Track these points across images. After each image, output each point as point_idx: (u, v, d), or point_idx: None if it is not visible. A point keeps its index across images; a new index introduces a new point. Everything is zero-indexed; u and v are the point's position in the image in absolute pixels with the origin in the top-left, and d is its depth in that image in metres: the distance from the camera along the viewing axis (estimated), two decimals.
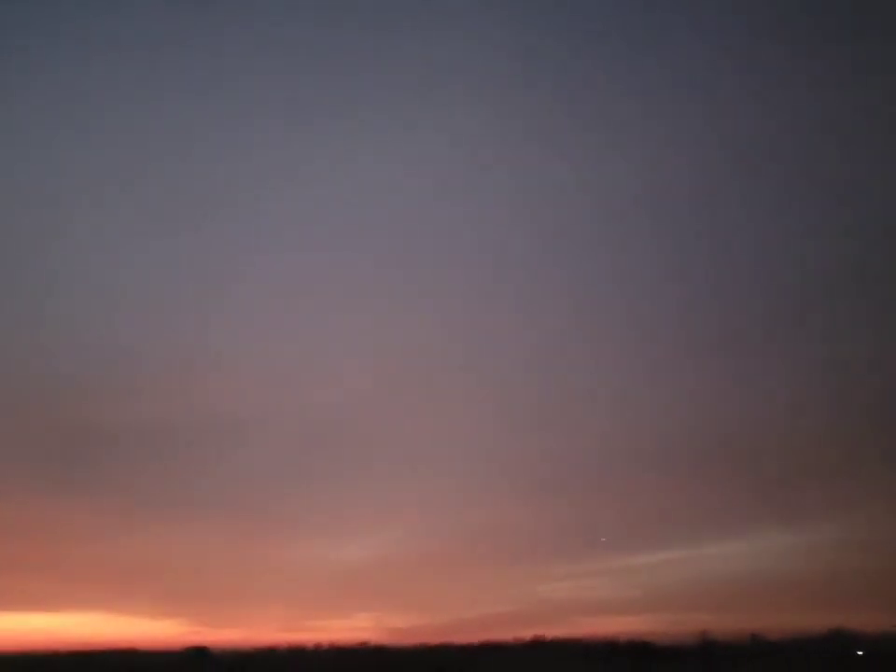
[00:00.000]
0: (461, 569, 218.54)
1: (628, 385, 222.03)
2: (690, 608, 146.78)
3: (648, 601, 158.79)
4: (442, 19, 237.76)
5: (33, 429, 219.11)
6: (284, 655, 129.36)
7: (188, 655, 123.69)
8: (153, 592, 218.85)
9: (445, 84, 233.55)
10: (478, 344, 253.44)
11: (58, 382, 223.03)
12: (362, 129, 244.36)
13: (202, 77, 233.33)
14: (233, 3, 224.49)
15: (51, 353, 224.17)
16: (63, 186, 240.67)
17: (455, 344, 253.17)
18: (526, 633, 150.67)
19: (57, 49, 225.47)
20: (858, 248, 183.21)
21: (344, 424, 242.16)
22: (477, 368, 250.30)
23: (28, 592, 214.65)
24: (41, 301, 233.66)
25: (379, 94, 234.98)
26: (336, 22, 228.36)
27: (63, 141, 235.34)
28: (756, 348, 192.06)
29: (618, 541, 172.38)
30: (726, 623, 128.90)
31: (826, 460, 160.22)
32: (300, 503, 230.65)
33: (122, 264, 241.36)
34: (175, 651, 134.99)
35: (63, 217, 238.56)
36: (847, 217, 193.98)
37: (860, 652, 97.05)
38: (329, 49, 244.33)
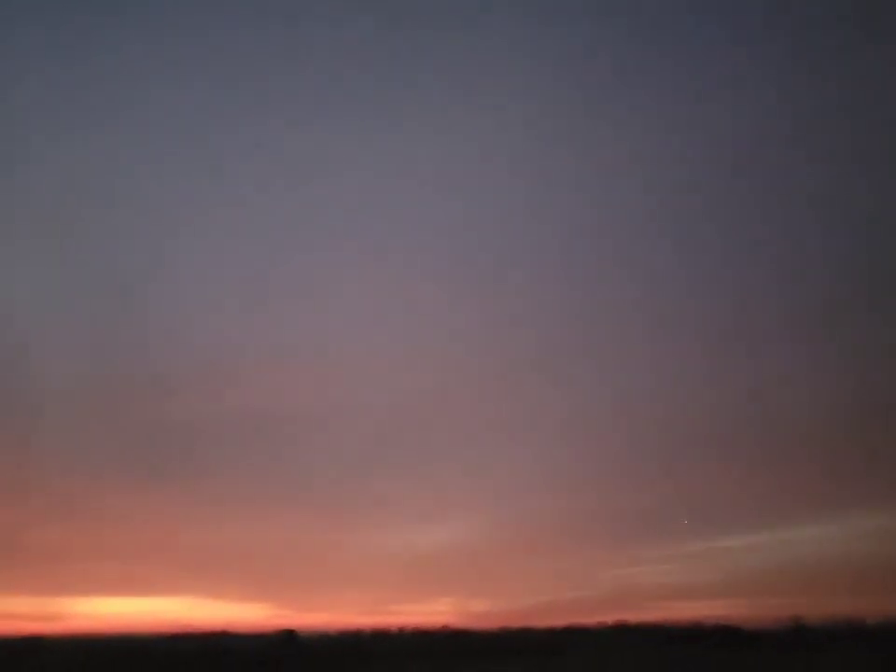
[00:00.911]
0: (542, 554, 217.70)
1: (708, 368, 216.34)
2: (777, 592, 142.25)
3: (733, 585, 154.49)
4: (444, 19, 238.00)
5: (128, 424, 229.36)
6: (368, 638, 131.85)
7: (277, 638, 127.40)
8: (243, 577, 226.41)
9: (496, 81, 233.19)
10: (550, 333, 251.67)
11: (151, 378, 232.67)
12: (421, 129, 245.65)
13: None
14: (240, 5, 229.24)
15: (144, 351, 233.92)
16: (155, 188, 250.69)
17: (530, 333, 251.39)
18: (609, 617, 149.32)
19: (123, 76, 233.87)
20: None
21: (424, 411, 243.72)
22: (551, 354, 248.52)
23: (126, 577, 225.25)
24: (131, 301, 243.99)
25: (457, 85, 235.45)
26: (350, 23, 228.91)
27: (161, 145, 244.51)
28: (833, 333, 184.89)
29: (701, 525, 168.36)
30: (817, 607, 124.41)
31: None
32: (382, 490, 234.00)
33: (208, 264, 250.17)
34: (264, 634, 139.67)
35: (151, 219, 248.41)
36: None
37: None
38: (342, 49, 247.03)
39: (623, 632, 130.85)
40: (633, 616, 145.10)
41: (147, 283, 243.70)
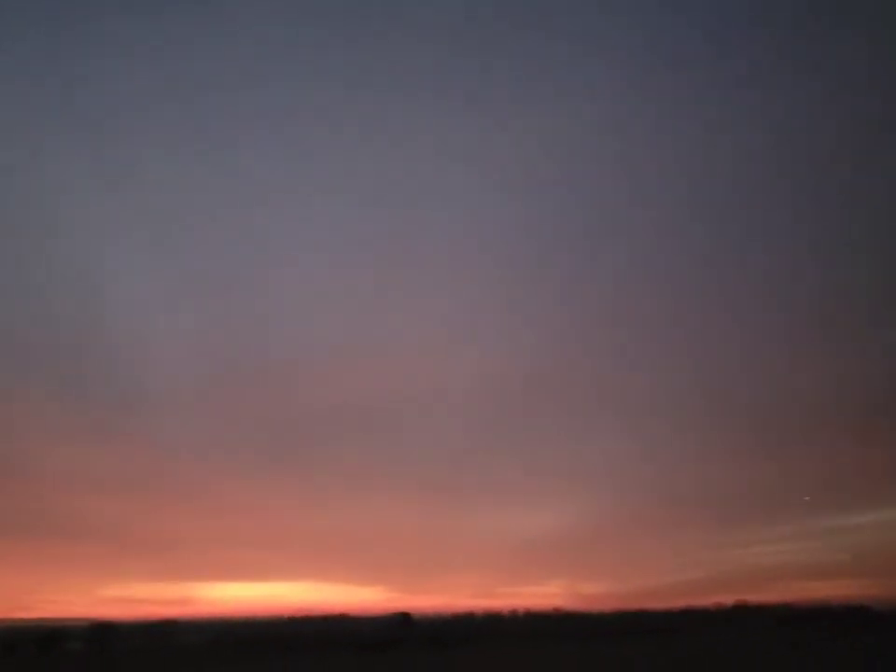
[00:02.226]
0: (656, 535, 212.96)
1: (834, 344, 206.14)
2: None
3: (859, 564, 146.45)
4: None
5: (250, 416, 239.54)
6: (481, 620, 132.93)
7: (393, 620, 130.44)
8: (360, 562, 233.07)
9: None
10: (662, 310, 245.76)
11: (270, 371, 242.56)
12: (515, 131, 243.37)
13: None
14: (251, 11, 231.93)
15: (262, 346, 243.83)
16: (269, 192, 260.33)
17: (640, 312, 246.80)
18: (728, 598, 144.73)
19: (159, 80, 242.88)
20: None
21: (531, 395, 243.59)
22: (666, 330, 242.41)
23: (251, 563, 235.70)
24: (248, 300, 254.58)
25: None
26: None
27: (270, 158, 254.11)
28: None
29: (824, 501, 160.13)
30: None
31: None
32: (492, 474, 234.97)
33: (317, 269, 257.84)
34: (380, 616, 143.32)
35: (271, 221, 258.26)
36: None
37: None
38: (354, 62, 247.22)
39: (742, 613, 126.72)
40: (753, 597, 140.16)
41: (264, 284, 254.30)
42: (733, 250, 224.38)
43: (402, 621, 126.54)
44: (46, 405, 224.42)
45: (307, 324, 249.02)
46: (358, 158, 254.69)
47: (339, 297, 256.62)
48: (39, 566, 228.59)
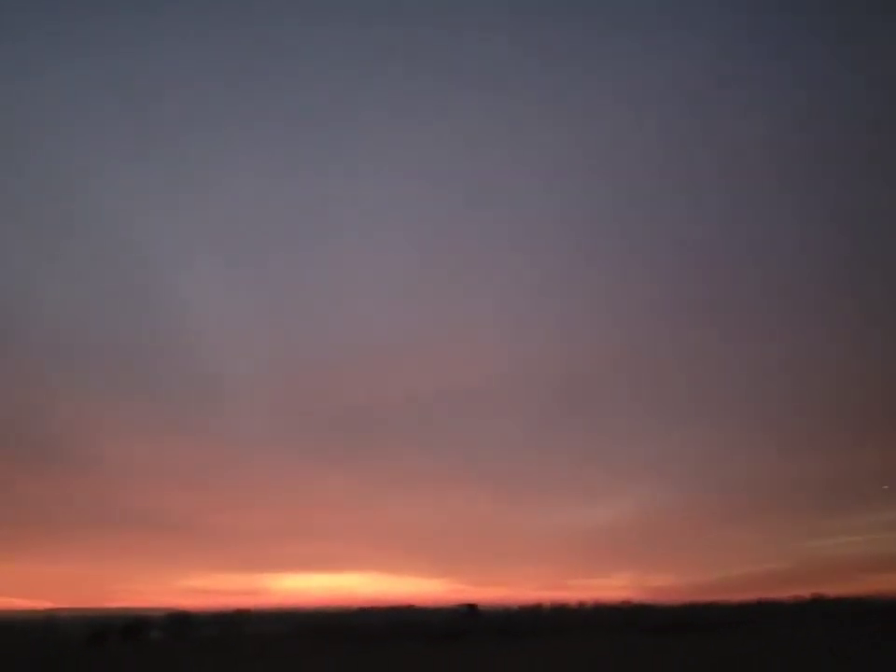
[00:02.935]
0: (726, 526, 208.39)
1: None
2: None
3: None
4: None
5: (319, 411, 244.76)
6: (548, 612, 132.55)
7: (459, 611, 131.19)
8: (426, 554, 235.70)
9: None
10: (725, 305, 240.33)
11: (339, 366, 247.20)
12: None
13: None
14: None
15: (334, 340, 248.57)
16: (322, 193, 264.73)
17: (704, 301, 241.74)
18: (805, 591, 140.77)
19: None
20: None
21: (596, 383, 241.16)
22: (728, 322, 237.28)
23: (321, 555, 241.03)
24: (321, 296, 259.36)
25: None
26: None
27: (324, 171, 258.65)
28: None
29: None
30: None
31: None
32: (559, 464, 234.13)
33: (380, 265, 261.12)
34: (447, 608, 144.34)
35: (324, 222, 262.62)
36: None
37: None
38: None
39: (820, 606, 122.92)
40: (832, 590, 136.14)
41: (331, 281, 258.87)
42: (804, 237, 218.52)
43: (469, 612, 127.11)
44: (124, 403, 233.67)
45: (376, 319, 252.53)
46: (400, 158, 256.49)
47: (407, 292, 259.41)
48: (121, 557, 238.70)
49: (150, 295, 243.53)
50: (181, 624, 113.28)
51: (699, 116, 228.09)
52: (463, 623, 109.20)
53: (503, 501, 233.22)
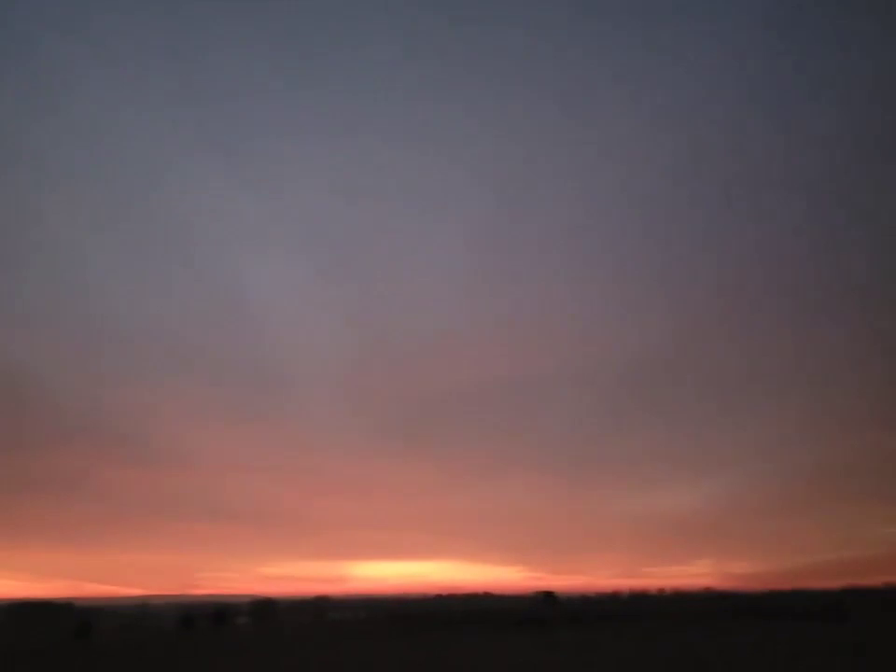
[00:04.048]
0: (812, 511, 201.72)
1: None
2: None
3: None
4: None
5: (390, 401, 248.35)
6: (627, 600, 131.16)
7: (537, 598, 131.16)
8: (502, 541, 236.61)
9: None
10: (798, 292, 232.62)
11: (411, 356, 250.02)
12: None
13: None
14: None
15: (405, 331, 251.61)
16: (404, 187, 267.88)
17: (778, 289, 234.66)
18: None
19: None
20: None
21: (668, 372, 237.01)
22: (805, 311, 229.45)
23: (398, 543, 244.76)
24: (393, 289, 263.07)
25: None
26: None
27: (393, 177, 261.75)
28: None
29: None
30: None
31: None
32: (635, 450, 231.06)
33: (449, 257, 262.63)
34: (524, 595, 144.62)
35: (405, 213, 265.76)
36: None
37: None
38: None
39: None
40: None
41: (399, 271, 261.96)
42: (867, 226, 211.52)
43: (546, 599, 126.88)
44: (208, 400, 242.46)
45: (446, 308, 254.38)
46: (483, 158, 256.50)
47: (476, 281, 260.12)
48: (207, 547, 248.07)
49: (229, 292, 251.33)
50: (265, 610, 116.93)
51: (759, 113, 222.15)
52: (540, 610, 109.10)
53: (580, 489, 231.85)
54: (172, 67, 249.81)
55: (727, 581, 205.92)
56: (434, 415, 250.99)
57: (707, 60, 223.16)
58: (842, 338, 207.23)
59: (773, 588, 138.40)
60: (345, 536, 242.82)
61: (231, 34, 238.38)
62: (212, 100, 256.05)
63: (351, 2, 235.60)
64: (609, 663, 43.65)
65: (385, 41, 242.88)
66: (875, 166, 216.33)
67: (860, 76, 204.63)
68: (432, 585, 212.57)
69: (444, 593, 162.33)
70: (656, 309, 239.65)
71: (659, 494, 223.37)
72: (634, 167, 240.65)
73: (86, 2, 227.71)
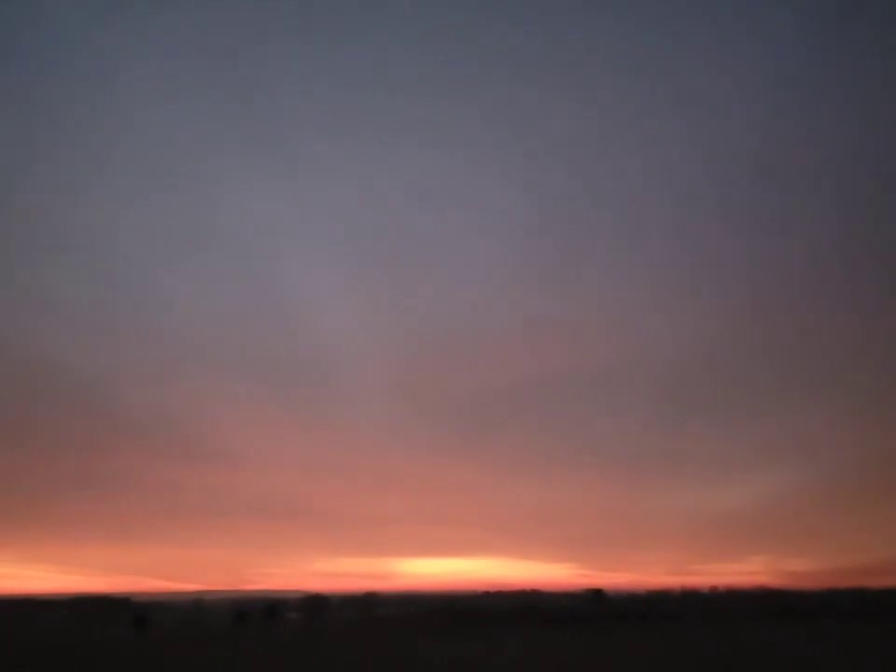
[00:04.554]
0: (868, 507, 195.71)
1: None
2: None
3: None
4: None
5: (437, 398, 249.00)
6: (678, 598, 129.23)
7: (585, 596, 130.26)
8: (551, 538, 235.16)
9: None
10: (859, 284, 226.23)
11: (458, 354, 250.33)
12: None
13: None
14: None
15: (451, 330, 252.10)
16: (453, 183, 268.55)
17: (818, 275, 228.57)
18: None
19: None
20: None
21: (719, 366, 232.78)
22: (860, 306, 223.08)
23: (446, 540, 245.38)
24: (441, 286, 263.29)
25: None
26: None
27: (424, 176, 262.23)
28: None
29: None
30: None
31: None
32: (685, 446, 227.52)
33: (501, 256, 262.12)
34: (572, 592, 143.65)
35: (433, 215, 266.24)
36: None
37: None
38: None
39: None
40: None
41: (446, 269, 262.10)
42: None
43: (595, 597, 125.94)
44: (259, 399, 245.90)
45: (492, 306, 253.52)
46: (526, 158, 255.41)
47: (523, 280, 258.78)
48: (258, 543, 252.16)
49: (277, 292, 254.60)
50: (315, 606, 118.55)
51: (795, 112, 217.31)
52: (589, 607, 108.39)
53: (629, 485, 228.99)
54: (213, 64, 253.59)
55: (782, 579, 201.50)
56: (482, 412, 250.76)
57: (751, 53, 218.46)
58: (890, 332, 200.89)
59: (830, 586, 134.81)
60: (394, 532, 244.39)
61: (271, 30, 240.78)
62: (258, 102, 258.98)
63: (391, 1, 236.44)
64: (651, 662, 43.23)
65: (425, 42, 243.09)
66: None
67: None
68: (480, 582, 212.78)
69: (492, 590, 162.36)
70: (703, 304, 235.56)
71: (711, 489, 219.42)
72: (672, 165, 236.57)
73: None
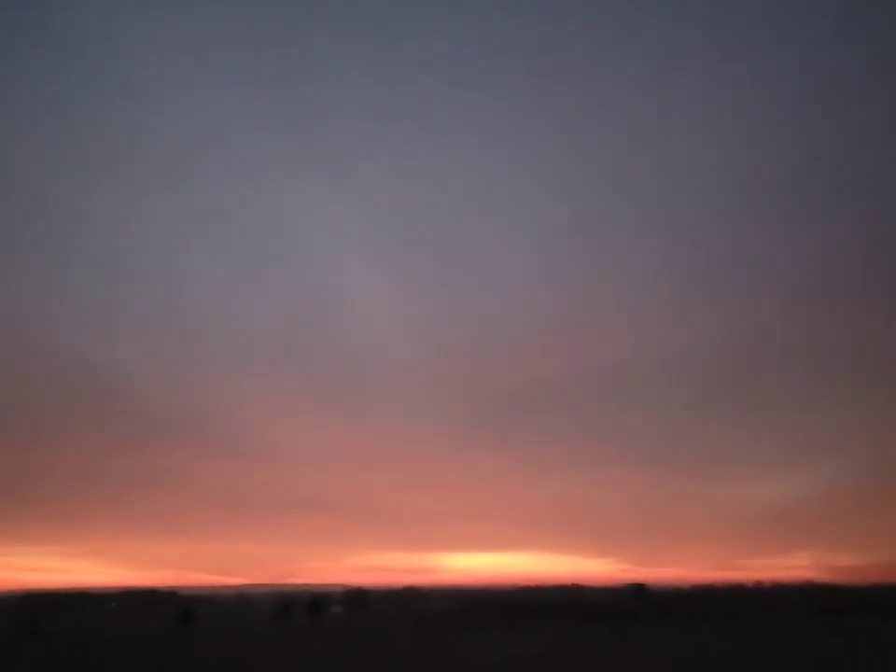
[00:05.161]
0: None
1: None
2: None
3: None
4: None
5: (475, 393, 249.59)
6: (722, 593, 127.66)
7: (628, 590, 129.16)
8: (591, 533, 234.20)
9: None
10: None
11: (494, 349, 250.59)
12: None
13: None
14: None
15: (487, 324, 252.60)
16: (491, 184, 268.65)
17: (875, 265, 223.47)
18: None
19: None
20: None
21: (759, 359, 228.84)
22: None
23: (487, 535, 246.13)
24: (476, 282, 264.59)
25: None
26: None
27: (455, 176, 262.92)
28: None
29: None
30: None
31: None
32: (730, 441, 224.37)
33: (540, 241, 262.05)
34: (614, 587, 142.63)
35: (472, 211, 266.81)
36: None
37: None
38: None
39: None
40: None
41: (485, 265, 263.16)
42: None
43: (637, 591, 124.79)
44: (300, 396, 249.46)
45: (531, 300, 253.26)
46: (554, 155, 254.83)
47: (560, 273, 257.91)
48: (301, 537, 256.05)
49: (318, 290, 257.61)
50: (358, 600, 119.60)
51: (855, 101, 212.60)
52: (631, 602, 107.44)
53: (672, 479, 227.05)
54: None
55: (830, 573, 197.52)
56: (520, 408, 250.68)
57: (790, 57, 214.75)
58: None
59: (878, 581, 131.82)
60: (435, 527, 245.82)
61: (328, 33, 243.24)
62: (315, 113, 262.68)
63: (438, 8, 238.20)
64: (692, 657, 42.73)
65: (475, 45, 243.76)
66: None
67: None
68: (520, 577, 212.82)
69: (533, 584, 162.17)
70: (755, 293, 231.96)
71: (755, 483, 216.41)
72: (738, 146, 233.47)
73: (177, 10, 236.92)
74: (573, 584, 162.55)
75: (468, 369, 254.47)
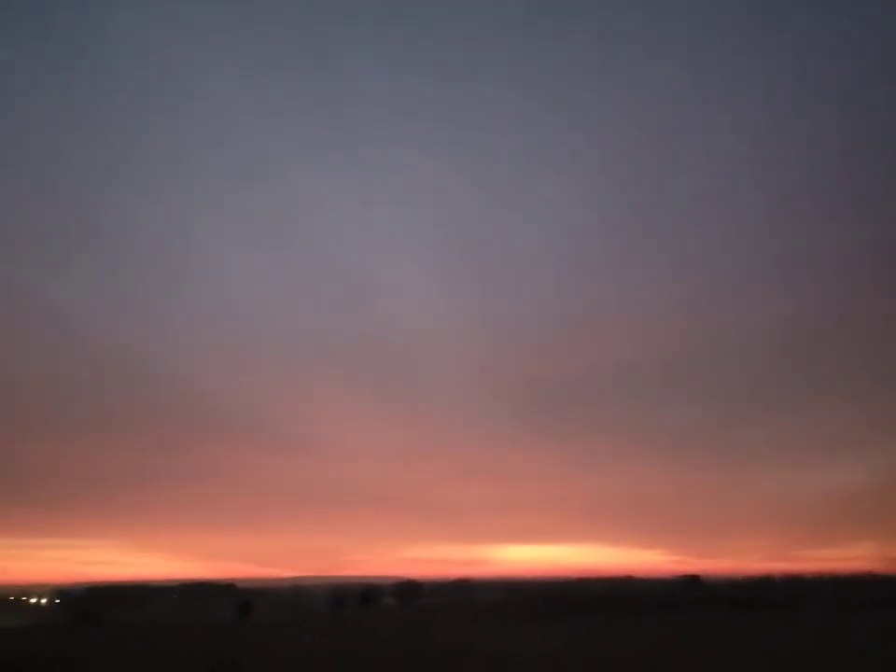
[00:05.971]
0: None
1: None
2: None
3: None
4: None
5: (518, 384, 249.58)
6: (779, 584, 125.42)
7: (681, 582, 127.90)
8: (643, 524, 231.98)
9: None
10: None
11: (541, 341, 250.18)
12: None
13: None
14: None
15: (534, 315, 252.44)
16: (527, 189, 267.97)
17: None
18: None
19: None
20: None
21: (818, 344, 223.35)
22: None
23: (539, 527, 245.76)
24: (518, 272, 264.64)
25: None
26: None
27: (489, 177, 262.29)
28: None
29: None
30: None
31: None
32: (786, 429, 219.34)
33: (582, 231, 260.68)
34: (667, 579, 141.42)
35: (512, 207, 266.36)
36: None
37: None
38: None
39: None
40: None
41: (528, 255, 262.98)
42: None
43: (691, 583, 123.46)
44: (350, 390, 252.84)
45: (577, 291, 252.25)
46: (586, 155, 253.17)
47: (605, 263, 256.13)
48: (353, 529, 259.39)
49: (363, 285, 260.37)
50: (410, 592, 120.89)
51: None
52: (685, 594, 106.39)
53: (725, 469, 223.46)
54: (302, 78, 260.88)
55: (891, 564, 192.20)
56: (567, 399, 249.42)
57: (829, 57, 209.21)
58: None
59: None
60: (486, 519, 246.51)
61: (363, 40, 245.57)
62: (350, 112, 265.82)
63: (483, 6, 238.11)
64: (747, 649, 42.26)
65: (508, 49, 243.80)
66: None
67: None
68: (574, 569, 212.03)
69: (586, 576, 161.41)
70: (810, 274, 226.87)
71: (812, 472, 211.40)
72: (767, 146, 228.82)
73: (204, 5, 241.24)
74: (626, 576, 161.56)
75: (516, 362, 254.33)
